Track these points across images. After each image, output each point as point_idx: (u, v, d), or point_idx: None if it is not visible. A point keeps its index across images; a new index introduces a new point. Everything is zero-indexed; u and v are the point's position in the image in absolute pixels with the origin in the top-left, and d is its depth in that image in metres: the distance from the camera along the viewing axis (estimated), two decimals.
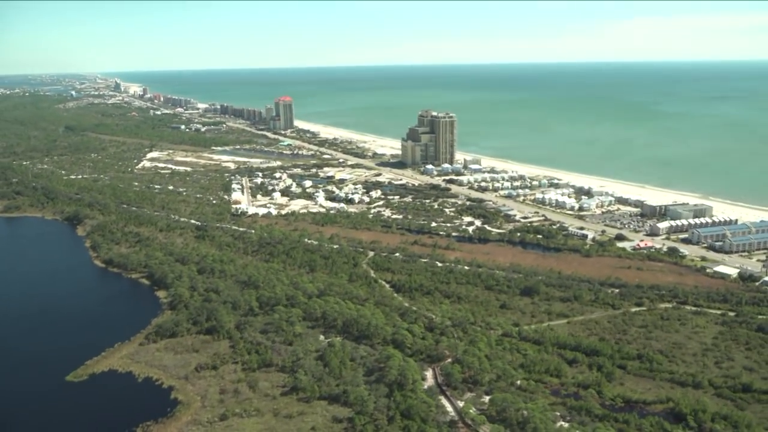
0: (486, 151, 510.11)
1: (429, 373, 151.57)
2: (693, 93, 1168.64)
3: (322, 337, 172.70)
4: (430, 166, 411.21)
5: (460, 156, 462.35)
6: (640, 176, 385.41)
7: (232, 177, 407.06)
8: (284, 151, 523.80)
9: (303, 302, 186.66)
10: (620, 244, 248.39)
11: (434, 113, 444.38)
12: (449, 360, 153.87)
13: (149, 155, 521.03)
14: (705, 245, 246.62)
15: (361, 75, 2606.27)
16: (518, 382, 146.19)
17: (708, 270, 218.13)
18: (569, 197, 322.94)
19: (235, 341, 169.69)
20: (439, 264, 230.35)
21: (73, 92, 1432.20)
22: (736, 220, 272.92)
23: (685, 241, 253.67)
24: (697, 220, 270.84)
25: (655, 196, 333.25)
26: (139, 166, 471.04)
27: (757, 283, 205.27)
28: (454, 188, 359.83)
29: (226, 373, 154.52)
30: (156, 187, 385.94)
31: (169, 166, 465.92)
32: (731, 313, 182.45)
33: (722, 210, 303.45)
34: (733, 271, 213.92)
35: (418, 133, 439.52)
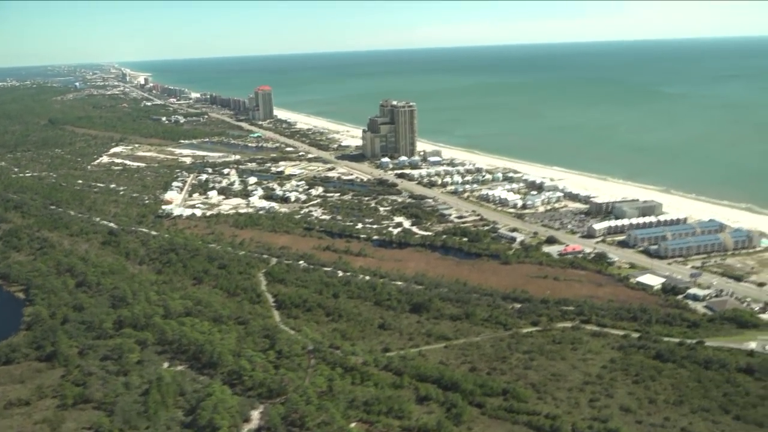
0: (459, 140, 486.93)
1: (257, 413, 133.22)
2: (702, 72, 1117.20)
3: (166, 365, 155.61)
4: (385, 159, 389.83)
5: (424, 146, 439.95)
6: (608, 167, 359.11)
7: (180, 173, 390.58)
8: (249, 144, 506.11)
9: (159, 324, 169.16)
10: (549, 248, 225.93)
11: (394, 102, 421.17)
12: (279, 399, 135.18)
13: (112, 150, 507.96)
14: (641, 249, 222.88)
15: (370, 59, 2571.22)
16: (352, 425, 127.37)
17: (631, 280, 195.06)
18: (516, 193, 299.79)
19: (69, 370, 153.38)
20: (340, 274, 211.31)
21: (77, 83, 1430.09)
22: (685, 219, 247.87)
23: (622, 243, 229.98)
24: (642, 220, 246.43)
25: (612, 190, 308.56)
26: (96, 162, 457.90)
27: (679, 297, 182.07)
28: (402, 184, 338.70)
29: (37, 410, 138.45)
30: (98, 185, 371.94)
31: (126, 162, 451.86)
32: (635, 334, 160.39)
33: (680, 206, 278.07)
34: (656, 282, 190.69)
35: (378, 123, 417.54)
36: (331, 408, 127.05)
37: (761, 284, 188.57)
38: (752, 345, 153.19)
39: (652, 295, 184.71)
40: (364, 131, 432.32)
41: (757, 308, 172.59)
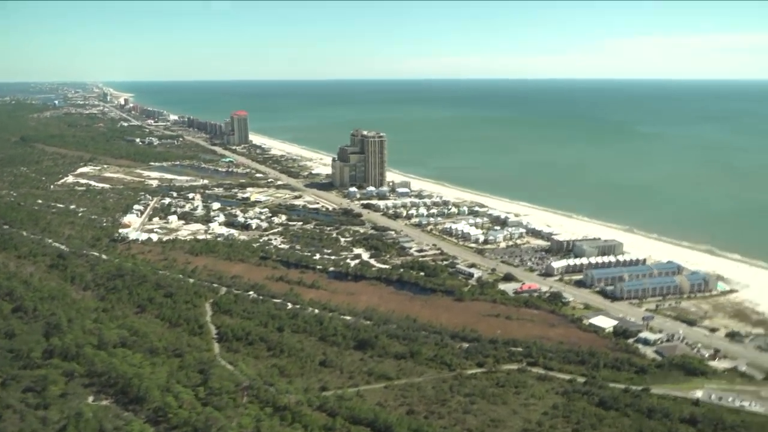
0: (431, 172, 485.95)
1: None
2: (679, 113, 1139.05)
3: (91, 399, 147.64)
4: (353, 189, 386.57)
5: (395, 177, 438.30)
6: (574, 204, 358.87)
7: (143, 196, 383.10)
8: (220, 169, 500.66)
9: (89, 355, 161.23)
10: (505, 286, 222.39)
11: (365, 132, 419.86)
12: None
13: (80, 170, 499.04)
14: (597, 289, 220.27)
15: (356, 89, 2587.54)
16: None
17: (584, 321, 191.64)
18: (480, 228, 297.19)
19: None
20: (289, 306, 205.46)
21: (56, 101, 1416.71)
22: (644, 260, 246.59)
23: (580, 283, 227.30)
24: (601, 259, 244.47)
25: (576, 228, 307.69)
26: (61, 182, 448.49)
27: (630, 340, 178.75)
28: (368, 214, 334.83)
29: None
30: (58, 206, 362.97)
31: (92, 182, 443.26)
32: (581, 379, 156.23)
33: (641, 246, 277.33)
34: (609, 324, 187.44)
35: (347, 153, 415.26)
36: None
37: (713, 329, 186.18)
38: (698, 394, 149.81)
39: (603, 338, 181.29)
40: (333, 160, 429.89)
41: (707, 354, 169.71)
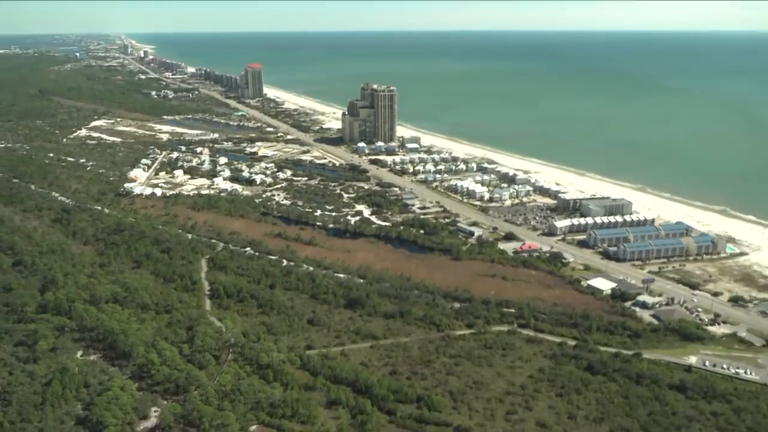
0: (445, 127, 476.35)
1: (157, 410, 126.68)
2: (709, 67, 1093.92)
3: (80, 354, 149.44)
4: (362, 144, 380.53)
5: (407, 132, 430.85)
6: (588, 161, 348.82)
7: (152, 150, 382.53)
8: (231, 123, 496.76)
9: (79, 310, 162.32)
10: (505, 245, 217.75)
11: (374, 86, 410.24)
12: (183, 397, 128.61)
13: (93, 123, 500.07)
14: (600, 249, 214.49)
15: (381, 40, 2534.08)
16: (252, 428, 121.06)
17: (582, 282, 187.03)
18: (486, 185, 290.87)
19: None
20: (284, 263, 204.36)
21: (78, 54, 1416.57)
22: (653, 220, 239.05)
23: (583, 243, 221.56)
24: (607, 219, 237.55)
25: (587, 186, 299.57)
26: (74, 135, 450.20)
27: (628, 303, 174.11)
28: (374, 170, 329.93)
29: None
30: (68, 159, 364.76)
31: (104, 136, 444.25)
32: (572, 342, 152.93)
33: (653, 205, 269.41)
34: (607, 286, 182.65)
35: (357, 107, 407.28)
36: (228, 410, 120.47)
37: (716, 294, 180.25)
38: (692, 359, 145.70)
39: (600, 300, 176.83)
40: (343, 114, 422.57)
41: (706, 320, 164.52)
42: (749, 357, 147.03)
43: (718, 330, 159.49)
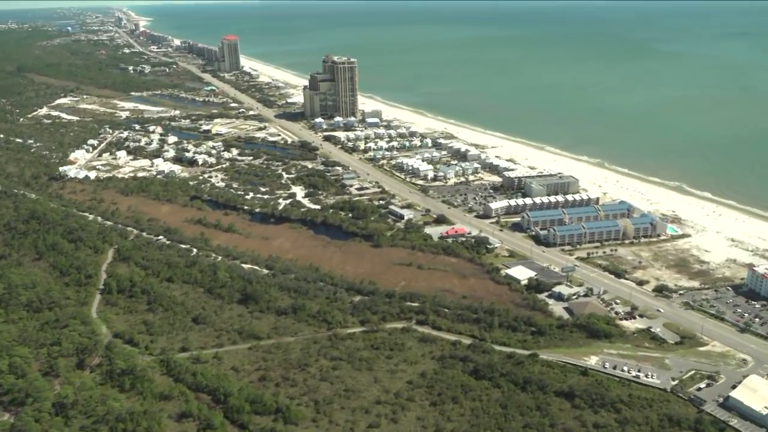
0: (416, 98, 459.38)
1: None
2: (706, 29, 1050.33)
3: None
4: (319, 120, 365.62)
5: (373, 105, 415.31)
6: (553, 134, 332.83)
7: (102, 130, 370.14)
8: (197, 98, 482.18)
9: None
10: (432, 230, 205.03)
11: (335, 58, 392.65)
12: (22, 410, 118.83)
13: (57, 101, 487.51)
14: (533, 233, 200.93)
15: (384, 9, 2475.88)
16: None
17: (501, 271, 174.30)
18: (435, 163, 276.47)
19: None
20: (194, 252, 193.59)
21: (69, 28, 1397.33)
22: (597, 200, 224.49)
23: (516, 226, 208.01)
24: (547, 199, 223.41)
25: (543, 161, 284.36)
26: (33, 114, 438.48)
27: (543, 294, 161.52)
28: (324, 147, 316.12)
29: None
30: (16, 140, 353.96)
31: (63, 114, 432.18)
32: (468, 341, 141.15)
33: (605, 181, 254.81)
34: (525, 276, 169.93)
35: (317, 80, 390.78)
36: (58, 428, 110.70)
37: (642, 282, 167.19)
38: (592, 360, 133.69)
39: (515, 291, 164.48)
40: (304, 88, 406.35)
41: (622, 313, 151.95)
42: (656, 357, 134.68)
43: (631, 325, 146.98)
